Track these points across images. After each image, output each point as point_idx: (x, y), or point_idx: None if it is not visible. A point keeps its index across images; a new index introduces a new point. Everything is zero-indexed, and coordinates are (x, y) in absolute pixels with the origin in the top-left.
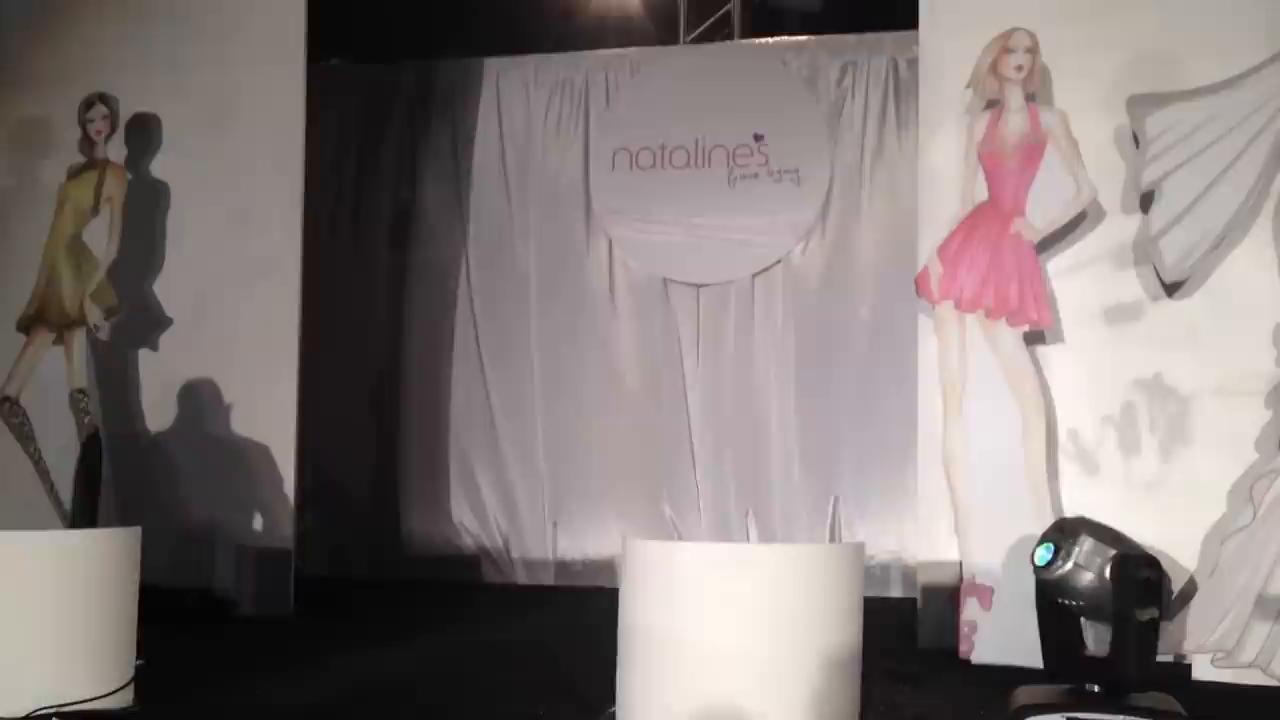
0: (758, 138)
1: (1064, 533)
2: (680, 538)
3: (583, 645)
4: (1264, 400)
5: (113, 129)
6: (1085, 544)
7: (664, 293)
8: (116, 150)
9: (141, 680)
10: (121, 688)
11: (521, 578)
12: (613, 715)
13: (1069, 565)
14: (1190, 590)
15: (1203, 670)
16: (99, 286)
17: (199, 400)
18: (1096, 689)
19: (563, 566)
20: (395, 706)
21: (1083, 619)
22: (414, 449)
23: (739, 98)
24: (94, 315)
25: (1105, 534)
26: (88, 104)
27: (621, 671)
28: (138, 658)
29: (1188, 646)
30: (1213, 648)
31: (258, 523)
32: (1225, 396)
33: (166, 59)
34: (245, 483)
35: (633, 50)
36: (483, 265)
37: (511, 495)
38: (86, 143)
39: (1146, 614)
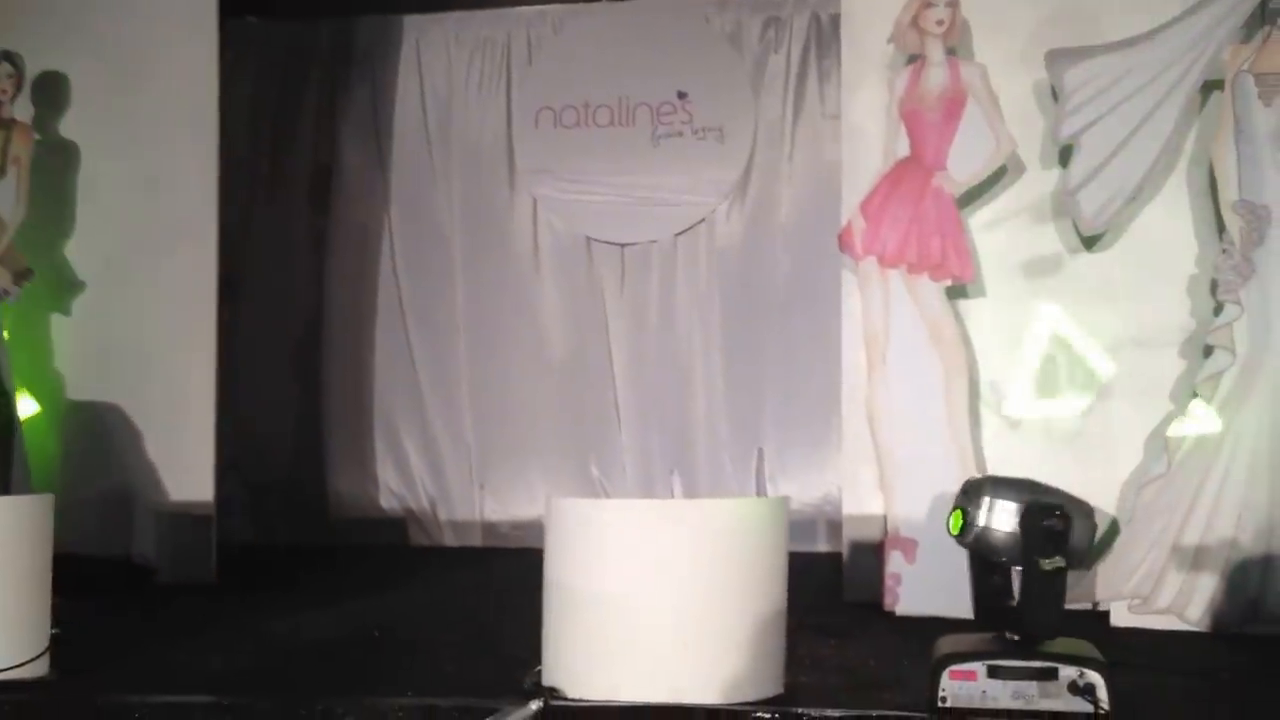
0: (681, 95)
1: (969, 496)
2: (609, 497)
3: (509, 606)
4: (1179, 351)
5: (18, 88)
6: (989, 504)
7: (588, 252)
8: (24, 110)
9: (57, 650)
10: (36, 658)
11: (449, 540)
12: (539, 674)
13: (979, 528)
14: (1110, 538)
15: (1120, 616)
16: (8, 250)
17: (115, 365)
18: (1017, 638)
19: (490, 528)
20: (320, 670)
21: (1013, 571)
22: (338, 412)
23: (662, 55)
24: (4, 279)
25: (1014, 488)
26: None
27: (547, 630)
28: (52, 627)
29: (1105, 593)
30: (1130, 594)
31: (177, 489)
32: (1142, 348)
33: (74, 15)
34: (164, 448)
35: (555, 7)
36: (405, 225)
37: (438, 457)
38: None
39: (1051, 563)
